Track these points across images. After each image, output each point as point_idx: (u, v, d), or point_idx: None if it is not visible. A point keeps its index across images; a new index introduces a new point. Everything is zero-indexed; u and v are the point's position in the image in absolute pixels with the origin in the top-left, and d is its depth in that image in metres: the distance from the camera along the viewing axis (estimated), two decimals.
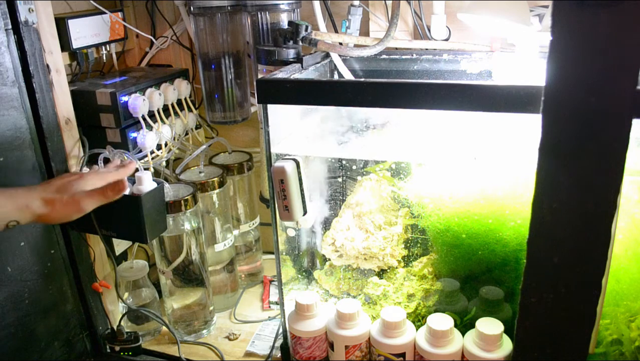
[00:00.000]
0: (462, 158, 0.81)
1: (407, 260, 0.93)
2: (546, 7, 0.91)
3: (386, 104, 0.72)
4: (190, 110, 1.15)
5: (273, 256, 0.99)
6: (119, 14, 1.13)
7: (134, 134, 1.02)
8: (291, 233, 0.99)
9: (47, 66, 0.88)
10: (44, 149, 0.89)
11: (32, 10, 0.84)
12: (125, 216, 0.90)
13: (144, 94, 1.02)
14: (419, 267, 0.90)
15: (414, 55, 0.99)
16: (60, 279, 0.95)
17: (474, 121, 0.75)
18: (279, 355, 0.99)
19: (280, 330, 1.01)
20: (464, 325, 0.86)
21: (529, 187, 0.54)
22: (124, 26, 1.15)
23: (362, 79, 0.86)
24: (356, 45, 0.96)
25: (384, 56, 1.00)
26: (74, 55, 1.03)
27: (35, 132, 0.88)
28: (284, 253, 0.99)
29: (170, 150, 1.09)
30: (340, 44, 0.97)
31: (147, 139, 1.01)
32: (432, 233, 0.88)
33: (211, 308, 1.09)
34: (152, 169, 1.03)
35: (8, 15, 0.81)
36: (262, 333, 1.06)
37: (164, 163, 1.10)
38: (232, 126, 1.25)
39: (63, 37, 0.98)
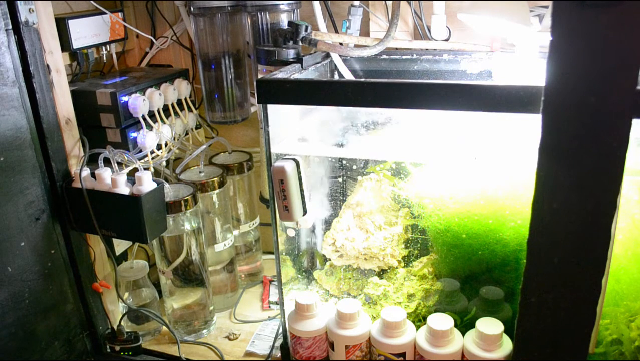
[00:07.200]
0: (462, 158, 0.81)
1: (407, 260, 0.93)
2: (546, 7, 0.91)
3: (386, 104, 0.72)
4: (190, 110, 1.15)
5: (273, 256, 0.99)
6: (119, 14, 1.13)
7: (134, 134, 1.02)
8: (291, 233, 0.99)
9: (47, 66, 0.88)
10: (44, 149, 0.89)
11: (32, 10, 0.84)
12: (125, 216, 0.91)
13: (144, 94, 1.02)
14: (419, 267, 0.90)
15: (414, 55, 0.99)
16: (60, 279, 0.95)
17: (474, 121, 0.75)
18: (279, 355, 0.99)
19: (280, 330, 1.01)
20: (464, 325, 0.86)
21: (529, 187, 0.54)
22: (124, 26, 1.15)
23: (362, 79, 0.86)
24: (356, 45, 0.96)
25: (384, 56, 1.00)
26: (74, 55, 1.03)
27: (35, 132, 0.88)
28: (284, 253, 0.99)
29: (170, 150, 1.09)
30: (340, 44, 0.97)
31: (147, 139, 1.01)
32: (432, 233, 0.88)
33: (211, 308, 1.09)
34: (152, 169, 1.02)
35: (8, 15, 0.81)
36: (262, 333, 1.06)
37: (164, 163, 1.10)
38: (232, 126, 1.25)
39: (63, 37, 0.98)
